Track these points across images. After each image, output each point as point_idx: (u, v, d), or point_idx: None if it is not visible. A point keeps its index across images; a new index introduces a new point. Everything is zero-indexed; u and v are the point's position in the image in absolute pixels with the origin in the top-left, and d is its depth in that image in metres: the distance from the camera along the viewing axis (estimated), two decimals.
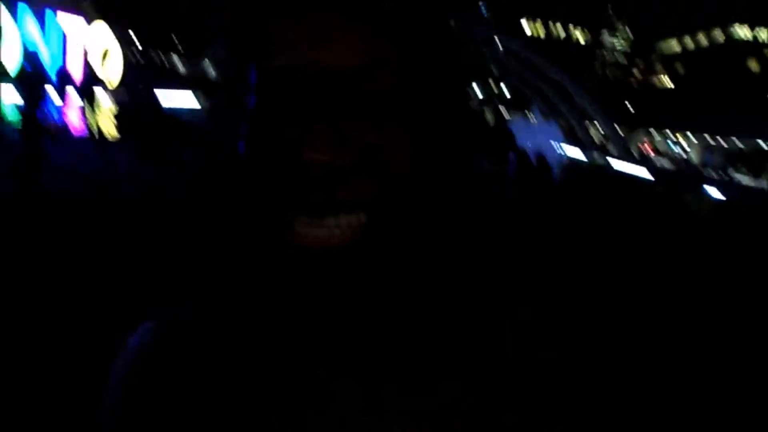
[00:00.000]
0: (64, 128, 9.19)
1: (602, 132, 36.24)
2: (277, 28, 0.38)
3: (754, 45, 71.73)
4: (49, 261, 4.21)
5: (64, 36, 17.13)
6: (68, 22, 17.61)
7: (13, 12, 14.94)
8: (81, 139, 9.45)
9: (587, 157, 29.07)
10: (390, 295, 0.42)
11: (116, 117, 8.86)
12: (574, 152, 30.18)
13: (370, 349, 0.41)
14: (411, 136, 0.39)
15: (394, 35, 0.37)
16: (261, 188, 0.39)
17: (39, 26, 16.09)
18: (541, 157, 9.01)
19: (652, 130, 41.87)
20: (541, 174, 8.41)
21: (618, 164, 26.55)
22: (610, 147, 32.67)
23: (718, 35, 74.34)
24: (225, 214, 0.44)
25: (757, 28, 72.08)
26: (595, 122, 35.51)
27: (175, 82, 24.06)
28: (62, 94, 9.29)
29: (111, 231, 5.12)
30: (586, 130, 34.10)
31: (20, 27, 14.97)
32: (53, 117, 7.68)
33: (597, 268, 5.51)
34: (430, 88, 0.39)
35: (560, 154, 15.48)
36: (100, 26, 19.10)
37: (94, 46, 18.40)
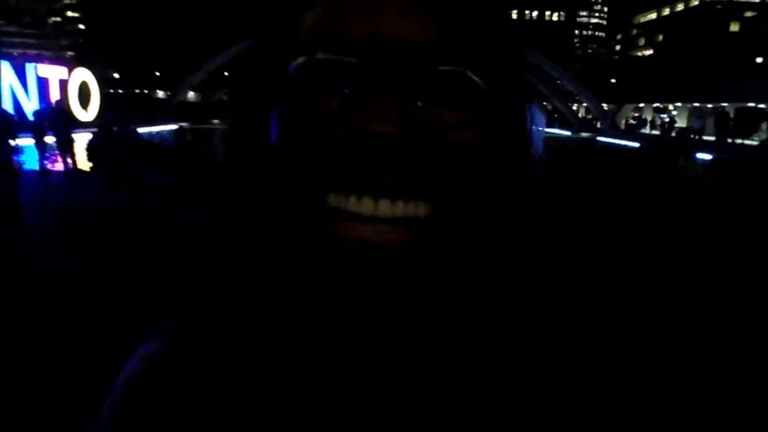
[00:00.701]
0: (42, 167, 9.50)
1: (589, 111, 36.38)
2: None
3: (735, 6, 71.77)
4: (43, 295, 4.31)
5: (45, 84, 18.34)
6: (49, 72, 18.95)
7: None
8: (58, 174, 9.75)
9: (574, 135, 29.21)
10: (438, 306, 0.38)
11: (91, 151, 9.14)
12: (559, 132, 30.36)
13: (406, 370, 0.38)
14: (478, 120, 0.35)
15: (460, 13, 0.34)
16: (301, 166, 0.34)
17: (19, 78, 17.24)
18: None
19: (641, 105, 41.91)
20: None
21: (606, 139, 26.65)
22: (598, 124, 32.78)
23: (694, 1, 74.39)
24: (250, 204, 0.39)
25: None
26: (581, 102, 35.67)
27: (156, 113, 24.96)
28: (40, 136, 9.60)
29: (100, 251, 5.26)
30: (572, 111, 34.24)
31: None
32: (21, 158, 7.99)
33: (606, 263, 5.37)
34: (493, 69, 0.36)
35: (537, 131, 15.73)
36: (81, 72, 20.38)
37: (74, 89, 19.69)
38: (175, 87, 30.69)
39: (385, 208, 0.33)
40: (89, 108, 20.51)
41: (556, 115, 33.62)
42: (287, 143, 0.35)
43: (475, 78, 0.35)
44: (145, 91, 51.39)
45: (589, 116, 36.51)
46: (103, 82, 22.80)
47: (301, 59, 0.34)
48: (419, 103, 0.33)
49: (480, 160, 0.36)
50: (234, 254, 0.39)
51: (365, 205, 0.33)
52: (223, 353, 0.38)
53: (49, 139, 9.90)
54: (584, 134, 30.02)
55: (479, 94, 0.35)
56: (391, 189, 0.33)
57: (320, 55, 0.34)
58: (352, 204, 0.33)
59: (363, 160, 0.32)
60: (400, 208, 0.33)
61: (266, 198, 0.37)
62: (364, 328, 0.37)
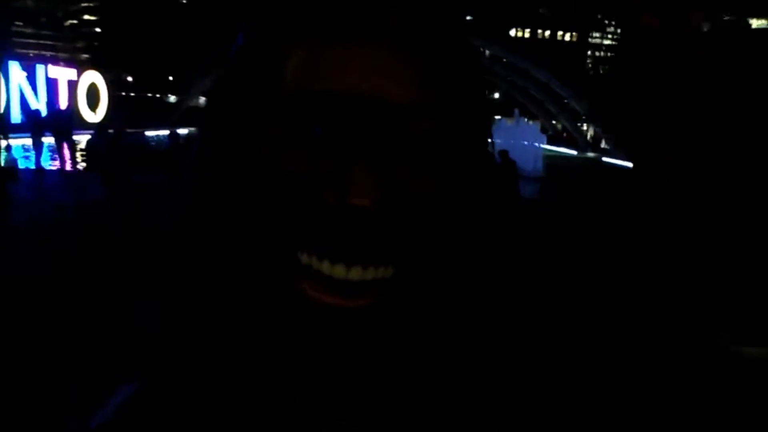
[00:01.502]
0: (39, 166, 9.64)
1: (594, 130, 36.30)
2: (324, 52, 0.33)
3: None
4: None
5: (54, 85, 18.68)
6: (58, 73, 19.28)
7: (3, 68, 16.28)
8: (54, 173, 9.88)
9: (579, 155, 29.19)
10: (397, 346, 0.39)
11: (88, 151, 9.29)
12: (564, 151, 30.37)
13: (369, 399, 0.38)
14: (449, 186, 0.35)
15: (440, 77, 0.34)
16: (273, 221, 0.34)
17: (28, 79, 17.55)
18: (503, 152, 9.21)
19: None
20: (504, 168, 8.61)
21: (609, 159, 26.59)
22: (603, 144, 32.70)
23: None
24: (221, 253, 0.37)
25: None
26: (587, 122, 35.61)
27: (166, 117, 25.24)
28: (36, 136, 9.75)
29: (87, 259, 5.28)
30: (580, 130, 34.20)
31: (7, 80, 16.24)
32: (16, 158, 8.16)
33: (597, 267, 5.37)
34: (467, 136, 0.37)
35: (536, 148, 15.75)
36: (91, 74, 20.74)
37: (83, 91, 20.03)
38: (184, 92, 31.05)
39: (356, 274, 0.33)
40: (98, 110, 20.82)
41: (565, 134, 33.59)
42: (261, 193, 0.34)
43: (451, 145, 0.35)
44: (158, 95, 51.96)
45: (596, 136, 36.38)
46: (115, 85, 23.18)
47: (279, 101, 0.34)
48: (395, 169, 0.33)
49: (449, 224, 0.36)
50: (201, 286, 0.37)
51: (338, 271, 0.33)
52: (199, 398, 0.37)
53: (48, 139, 10.04)
54: (590, 154, 29.96)
55: (453, 162, 0.35)
56: (365, 257, 0.33)
57: (299, 101, 0.33)
58: (326, 268, 0.33)
59: (339, 230, 0.32)
60: (371, 273, 0.33)
61: (234, 239, 0.35)
62: (330, 369, 0.37)
